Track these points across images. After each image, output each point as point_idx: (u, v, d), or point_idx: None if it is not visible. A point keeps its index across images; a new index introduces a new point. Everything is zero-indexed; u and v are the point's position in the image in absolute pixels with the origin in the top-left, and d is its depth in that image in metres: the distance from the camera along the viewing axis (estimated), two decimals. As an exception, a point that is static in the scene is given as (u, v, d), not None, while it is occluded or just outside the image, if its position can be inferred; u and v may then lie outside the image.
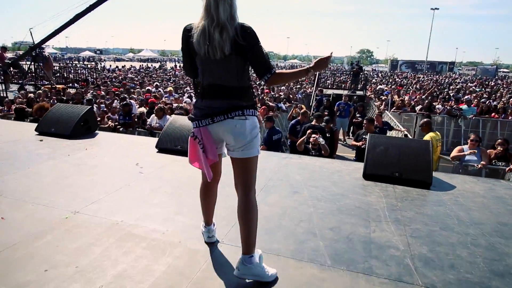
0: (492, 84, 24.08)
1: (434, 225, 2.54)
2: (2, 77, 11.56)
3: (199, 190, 2.03)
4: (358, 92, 15.84)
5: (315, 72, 1.66)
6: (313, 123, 6.49)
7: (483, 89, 17.42)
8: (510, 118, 10.41)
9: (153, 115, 7.09)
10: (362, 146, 6.11)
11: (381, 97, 13.44)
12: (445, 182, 3.49)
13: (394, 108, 11.36)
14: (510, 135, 11.09)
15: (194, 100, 1.73)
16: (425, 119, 6.25)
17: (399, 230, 2.44)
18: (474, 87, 19.59)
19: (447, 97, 12.71)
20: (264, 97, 10.18)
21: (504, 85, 23.30)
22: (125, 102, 7.31)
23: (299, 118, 6.88)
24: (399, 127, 8.53)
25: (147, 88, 11.05)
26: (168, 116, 7.05)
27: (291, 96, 12.68)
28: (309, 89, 16.92)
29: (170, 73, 23.48)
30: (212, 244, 2.14)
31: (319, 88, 14.02)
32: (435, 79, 27.43)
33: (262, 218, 2.47)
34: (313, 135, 5.52)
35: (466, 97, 12.40)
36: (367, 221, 2.56)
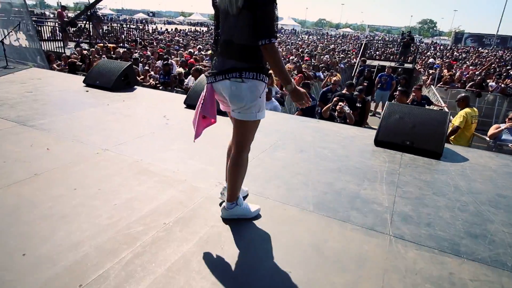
0: None
1: (427, 190, 2.62)
2: (62, 35, 12.58)
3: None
4: (407, 65, 14.98)
5: (291, 90, 1.76)
6: (344, 91, 6.45)
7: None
8: None
9: (190, 76, 7.46)
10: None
11: (429, 70, 12.61)
12: (459, 154, 3.46)
13: (441, 83, 10.69)
14: None
15: None
16: (462, 94, 5.93)
17: (390, 190, 2.57)
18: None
19: (505, 74, 11.60)
20: (302, 65, 10.09)
21: None
22: (165, 62, 7.72)
23: (331, 86, 6.84)
24: (440, 103, 8.12)
25: (189, 50, 11.43)
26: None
27: (331, 65, 12.37)
28: (354, 59, 16.27)
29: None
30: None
31: (362, 58, 13.48)
32: (500, 54, 24.75)
33: (262, 169, 2.74)
34: (340, 103, 5.55)
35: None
36: (362, 180, 2.71)
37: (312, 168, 2.88)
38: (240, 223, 2.03)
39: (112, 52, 10.21)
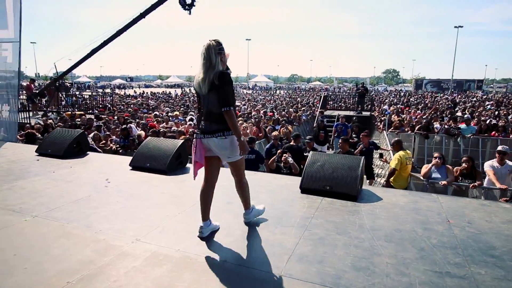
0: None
1: (332, 230, 2.87)
2: (30, 106, 12.93)
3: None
4: (364, 113, 16.02)
5: (239, 141, 2.52)
6: (291, 143, 6.89)
7: (497, 108, 17.03)
8: (510, 136, 10.24)
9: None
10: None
11: (381, 117, 13.56)
12: (376, 195, 3.78)
13: (392, 128, 11.48)
14: (513, 154, 10.87)
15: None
16: (395, 139, 6.49)
17: (297, 233, 2.80)
18: (490, 106, 19.13)
19: (449, 116, 12.64)
20: (262, 119, 10.71)
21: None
22: (123, 126, 8.07)
23: (273, 141, 7.20)
24: (387, 147, 8.71)
25: (155, 113, 11.97)
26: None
27: (293, 118, 13.12)
28: (316, 110, 17.29)
29: (187, 99, 24.75)
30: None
31: (320, 110, 14.39)
32: (451, 98, 26.87)
33: (186, 223, 2.94)
34: (284, 155, 5.94)
35: (466, 116, 12.29)
36: (275, 226, 2.94)
37: (233, 217, 3.10)
38: (133, 278, 2.19)
39: (76, 120, 10.53)
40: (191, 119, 10.36)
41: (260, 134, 9.46)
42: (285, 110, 14.26)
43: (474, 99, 27.47)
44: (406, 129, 11.27)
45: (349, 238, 2.73)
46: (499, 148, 5.82)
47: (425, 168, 5.83)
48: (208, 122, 2.56)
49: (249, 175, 4.53)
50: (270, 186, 4.08)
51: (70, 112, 12.51)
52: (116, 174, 4.47)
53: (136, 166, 4.74)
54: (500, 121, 11.51)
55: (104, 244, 2.59)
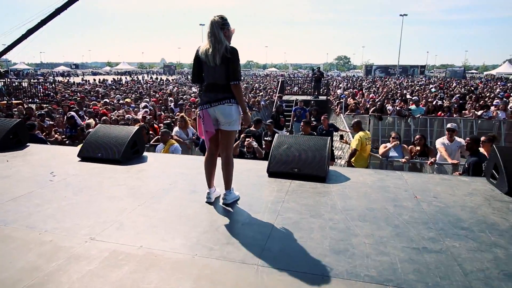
0: (453, 86, 25.21)
1: (306, 214, 2.76)
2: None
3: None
4: (321, 97, 16.30)
5: (245, 114, 2.76)
6: (252, 128, 6.71)
7: (440, 90, 18.28)
8: (454, 116, 10.98)
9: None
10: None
11: (337, 101, 13.89)
12: (344, 175, 3.75)
13: (348, 111, 11.77)
14: (459, 132, 11.72)
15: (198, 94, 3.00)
16: (355, 120, 6.59)
17: (270, 219, 2.65)
18: (434, 89, 20.47)
19: (400, 98, 13.27)
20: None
21: (461, 86, 24.52)
22: (69, 115, 7.36)
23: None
24: (345, 129, 8.89)
25: (104, 100, 11.09)
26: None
27: (252, 104, 12.93)
28: (274, 96, 17.27)
29: (139, 86, 23.43)
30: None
31: (279, 95, 14.37)
32: (398, 82, 28.39)
33: (148, 215, 2.65)
34: (247, 139, 5.75)
35: (414, 97, 12.99)
36: (246, 214, 2.76)
37: (198, 207, 2.87)
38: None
39: (13, 110, 9.44)
40: (146, 106, 9.76)
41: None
42: (250, 95, 14.00)
43: (421, 82, 29.24)
44: (361, 112, 11.62)
45: (323, 221, 2.64)
46: (448, 126, 6.13)
47: (383, 148, 5.99)
48: (213, 92, 2.65)
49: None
50: (235, 171, 3.86)
51: (5, 102, 11.20)
52: (63, 166, 3.99)
53: (85, 157, 4.27)
54: (445, 102, 12.27)
55: (51, 246, 2.23)
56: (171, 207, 2.88)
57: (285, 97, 16.22)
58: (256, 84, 26.11)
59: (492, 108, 11.02)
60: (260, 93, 16.46)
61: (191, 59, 2.83)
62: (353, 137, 6.53)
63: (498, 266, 2.02)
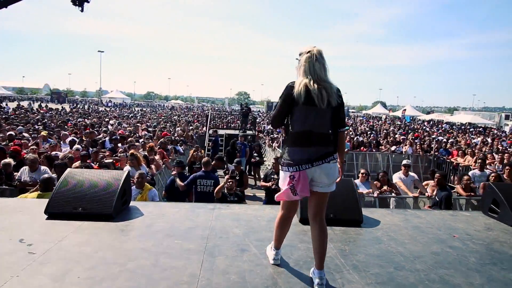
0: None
1: (388, 266, 2.56)
2: None
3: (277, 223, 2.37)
4: (249, 132, 16.55)
5: (341, 165, 2.26)
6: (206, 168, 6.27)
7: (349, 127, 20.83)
8: (374, 150, 12.42)
9: (25, 166, 5.68)
10: (273, 187, 6.18)
11: (271, 135, 14.31)
12: (370, 217, 3.69)
13: (285, 146, 12.17)
14: (375, 164, 13.28)
15: (285, 146, 2.26)
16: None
17: (363, 279, 2.36)
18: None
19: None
20: (164, 140, 9.44)
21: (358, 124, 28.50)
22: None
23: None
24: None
25: (8, 133, 8.90)
26: (43, 167, 5.76)
27: (186, 138, 12.24)
28: (200, 129, 16.81)
29: (35, 114, 19.83)
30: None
31: (213, 129, 14.05)
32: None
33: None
34: (230, 180, 5.29)
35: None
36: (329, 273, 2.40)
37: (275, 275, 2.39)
38: None
39: None
40: (74, 142, 8.25)
41: (165, 159, 8.30)
42: (179, 129, 13.16)
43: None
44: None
45: (411, 273, 2.48)
46: (404, 162, 6.84)
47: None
48: (314, 146, 2.13)
49: (223, 209, 3.75)
50: (261, 220, 3.45)
51: None
52: (29, 229, 2.92)
53: (55, 213, 3.24)
54: (365, 138, 13.84)
55: None
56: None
57: (210, 131, 15.94)
58: (175, 117, 25.03)
59: (404, 144, 12.84)
60: (191, 127, 15.75)
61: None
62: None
63: None
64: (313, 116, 2.11)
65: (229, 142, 13.30)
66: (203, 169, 5.59)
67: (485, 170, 7.46)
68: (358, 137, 13.93)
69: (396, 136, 15.58)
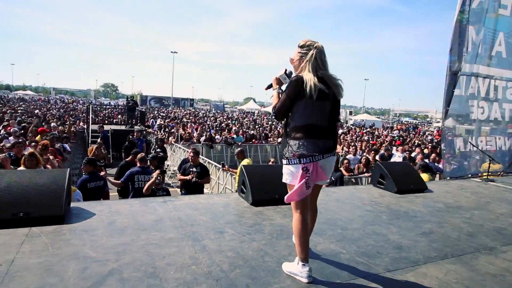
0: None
1: (336, 229, 3.26)
2: None
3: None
4: (137, 127, 15.67)
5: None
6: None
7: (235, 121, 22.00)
8: (263, 142, 13.72)
9: None
10: (194, 180, 6.34)
11: (169, 130, 13.99)
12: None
13: (183, 141, 12.20)
14: (265, 155, 14.66)
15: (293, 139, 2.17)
16: (239, 149, 7.33)
17: (326, 239, 2.97)
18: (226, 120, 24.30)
19: (223, 127, 15.06)
20: (50, 137, 8.16)
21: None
22: None
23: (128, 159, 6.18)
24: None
25: None
26: None
27: (68, 133, 10.82)
28: (78, 123, 14.98)
29: None
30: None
31: (100, 124, 12.79)
32: (192, 112, 31.25)
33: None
34: (159, 175, 5.24)
35: (234, 128, 15.22)
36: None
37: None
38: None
39: None
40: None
41: (57, 159, 7.32)
42: (54, 124, 11.40)
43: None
44: (195, 141, 12.34)
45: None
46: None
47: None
48: (322, 138, 2.17)
49: (177, 200, 3.73)
50: (216, 206, 3.72)
51: None
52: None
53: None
54: (255, 132, 15.04)
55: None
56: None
57: (93, 127, 14.43)
58: (37, 110, 21.18)
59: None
60: (67, 122, 13.76)
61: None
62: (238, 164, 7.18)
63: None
64: (322, 110, 2.17)
65: (116, 138, 12.48)
66: (138, 165, 5.34)
67: (356, 155, 9.41)
68: (249, 131, 15.02)
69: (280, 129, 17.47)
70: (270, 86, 2.43)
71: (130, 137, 10.08)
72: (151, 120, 19.27)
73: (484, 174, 6.59)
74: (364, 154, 9.17)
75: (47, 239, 2.62)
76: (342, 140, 14.14)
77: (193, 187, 6.31)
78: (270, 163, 7.15)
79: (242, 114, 41.38)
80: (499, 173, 7.05)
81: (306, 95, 2.10)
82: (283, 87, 2.30)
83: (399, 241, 3.03)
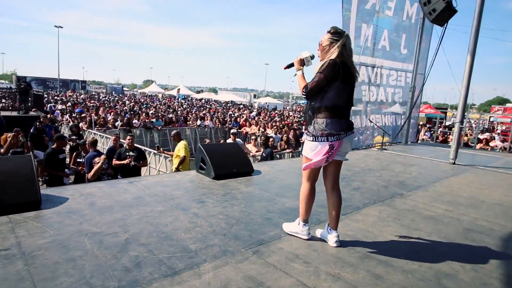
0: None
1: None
2: None
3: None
4: (32, 113, 13.77)
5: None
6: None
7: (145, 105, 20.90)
8: (183, 126, 13.76)
9: None
10: (132, 164, 6.29)
11: (79, 116, 12.70)
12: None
13: (97, 126, 11.39)
14: (185, 137, 14.63)
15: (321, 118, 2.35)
16: (175, 131, 7.41)
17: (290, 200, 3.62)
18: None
19: (139, 112, 14.34)
20: None
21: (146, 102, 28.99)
22: None
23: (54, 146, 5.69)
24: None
25: None
26: None
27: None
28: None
29: None
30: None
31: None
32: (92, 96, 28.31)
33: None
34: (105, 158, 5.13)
35: (151, 112, 14.67)
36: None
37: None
38: None
39: None
40: None
41: None
42: None
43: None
44: (110, 126, 11.63)
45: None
46: (233, 131, 8.51)
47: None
48: (345, 118, 2.40)
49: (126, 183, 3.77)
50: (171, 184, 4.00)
51: None
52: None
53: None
54: (173, 115, 14.85)
55: None
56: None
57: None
58: None
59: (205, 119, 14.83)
60: None
61: None
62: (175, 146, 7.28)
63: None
64: (345, 92, 2.38)
65: (9, 127, 10.95)
66: (91, 150, 5.06)
67: (277, 134, 10.40)
68: (168, 115, 14.77)
69: (197, 112, 17.58)
70: (289, 66, 2.58)
71: (37, 124, 9.02)
72: (49, 105, 17.01)
73: (377, 145, 8.21)
74: (284, 132, 10.22)
75: (36, 223, 2.61)
76: (257, 121, 15.12)
77: (130, 172, 6.26)
78: (206, 143, 7.48)
79: (146, 97, 39.27)
80: (387, 143, 8.84)
81: (339, 78, 2.31)
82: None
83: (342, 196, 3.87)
